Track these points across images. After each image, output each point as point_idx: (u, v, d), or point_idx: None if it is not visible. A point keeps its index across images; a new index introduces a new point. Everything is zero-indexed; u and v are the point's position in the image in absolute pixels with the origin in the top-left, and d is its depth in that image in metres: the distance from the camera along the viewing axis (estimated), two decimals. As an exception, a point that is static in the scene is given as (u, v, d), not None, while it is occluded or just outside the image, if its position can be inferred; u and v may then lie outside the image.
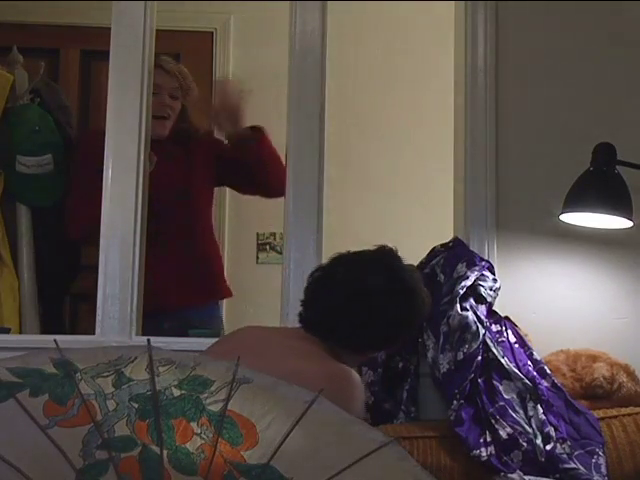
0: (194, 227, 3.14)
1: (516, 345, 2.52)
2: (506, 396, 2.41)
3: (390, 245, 2.15)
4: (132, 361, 1.34)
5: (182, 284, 3.05)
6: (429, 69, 3.99)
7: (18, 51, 3.11)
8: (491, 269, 2.61)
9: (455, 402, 2.38)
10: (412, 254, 2.32)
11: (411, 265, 2.24)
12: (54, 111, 3.13)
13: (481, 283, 2.54)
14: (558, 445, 2.36)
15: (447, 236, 2.76)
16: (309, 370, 1.89)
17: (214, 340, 2.32)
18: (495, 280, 2.59)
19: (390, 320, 2.08)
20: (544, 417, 2.39)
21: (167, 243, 3.04)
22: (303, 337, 2.07)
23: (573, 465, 2.33)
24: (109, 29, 2.75)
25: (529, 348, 2.53)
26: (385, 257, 2.12)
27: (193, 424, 1.26)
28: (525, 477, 2.30)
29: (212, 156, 3.18)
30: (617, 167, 2.49)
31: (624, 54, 2.83)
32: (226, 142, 3.17)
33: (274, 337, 2.11)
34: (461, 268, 2.56)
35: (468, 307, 2.48)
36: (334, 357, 2.04)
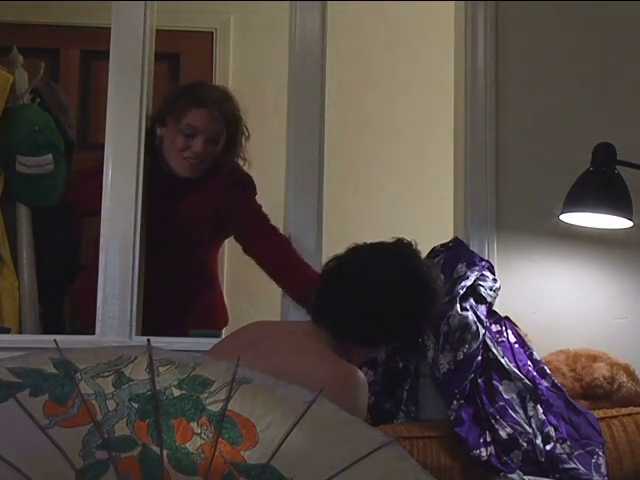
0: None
1: (516, 345, 2.52)
2: (506, 396, 2.41)
3: (408, 239, 2.13)
4: (132, 361, 1.34)
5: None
6: (429, 69, 3.99)
7: (18, 51, 3.11)
8: (491, 269, 2.61)
9: (455, 402, 2.39)
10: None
11: (428, 259, 2.22)
12: (54, 111, 3.13)
13: (481, 283, 2.54)
14: (558, 445, 2.36)
15: (447, 236, 2.76)
16: (313, 370, 1.88)
17: (214, 340, 2.32)
18: (495, 280, 2.59)
19: (403, 312, 2.04)
20: (544, 417, 2.39)
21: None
22: (311, 333, 2.04)
23: (573, 465, 2.33)
24: (109, 29, 2.75)
25: (529, 348, 2.53)
26: (401, 249, 2.09)
27: (193, 424, 1.25)
28: (525, 477, 2.30)
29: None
30: (617, 167, 2.49)
31: (624, 54, 2.83)
32: None
33: (280, 334, 2.09)
34: (461, 268, 2.56)
35: (468, 307, 2.48)
36: (342, 353, 2.02)
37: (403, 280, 2.04)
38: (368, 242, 2.12)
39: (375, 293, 2.02)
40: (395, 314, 2.03)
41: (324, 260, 2.65)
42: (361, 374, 2.00)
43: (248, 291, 3.98)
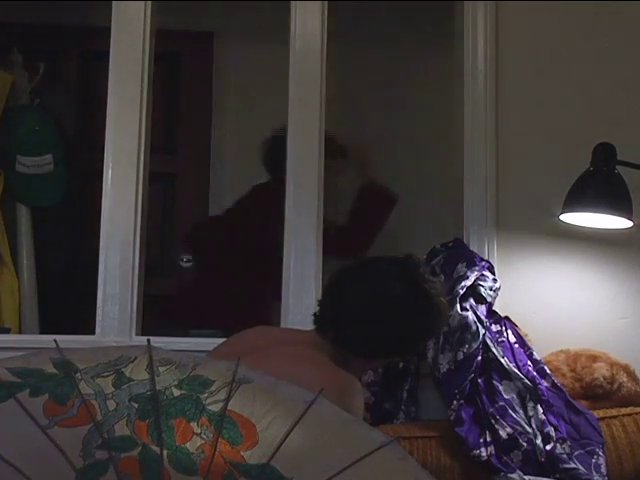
0: None
1: (516, 345, 2.52)
2: (506, 396, 2.41)
3: (417, 257, 2.13)
4: (132, 361, 1.34)
5: None
6: (429, 69, 3.99)
7: (18, 51, 3.11)
8: (491, 269, 2.61)
9: (455, 402, 2.39)
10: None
11: (436, 278, 2.21)
12: (54, 111, 3.14)
13: (481, 283, 2.54)
14: (558, 445, 2.36)
15: (447, 236, 2.76)
16: (308, 378, 1.86)
17: (214, 340, 2.32)
18: (495, 280, 2.59)
19: (403, 328, 2.02)
20: (544, 417, 2.39)
21: None
22: (312, 342, 2.03)
23: (573, 465, 2.33)
24: (109, 29, 2.75)
25: (529, 348, 2.53)
26: (406, 265, 2.08)
27: (193, 424, 1.25)
28: (525, 477, 2.30)
29: None
30: (617, 167, 2.49)
31: (624, 54, 2.83)
32: None
33: (280, 342, 2.08)
34: (461, 268, 2.56)
35: (468, 307, 2.48)
36: (341, 364, 2.01)
37: (406, 296, 2.02)
38: (377, 255, 2.11)
39: (377, 306, 2.01)
40: (395, 329, 2.02)
41: (324, 259, 2.66)
42: (358, 384, 1.98)
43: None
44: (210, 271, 3.36)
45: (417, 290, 2.03)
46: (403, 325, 2.02)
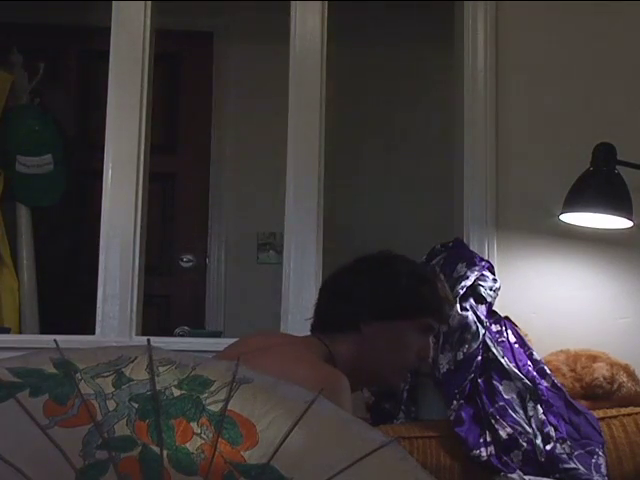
0: None
1: (516, 345, 2.52)
2: (506, 396, 2.41)
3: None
4: (132, 361, 1.34)
5: None
6: (429, 68, 3.99)
7: (18, 51, 3.11)
8: (491, 269, 2.61)
9: (455, 402, 2.39)
10: (412, 254, 2.31)
11: (414, 263, 2.19)
12: (54, 111, 3.14)
13: (481, 283, 2.54)
14: (558, 445, 2.36)
15: (447, 236, 2.76)
16: (296, 374, 1.85)
17: (215, 340, 2.33)
18: (495, 280, 2.59)
19: (355, 294, 2.01)
20: (544, 417, 2.39)
21: None
22: (305, 342, 2.04)
23: (573, 465, 2.33)
24: (109, 29, 2.75)
25: (529, 348, 2.53)
26: (383, 253, 2.09)
27: (193, 424, 1.25)
28: (525, 477, 2.30)
29: None
30: (617, 167, 2.49)
31: (624, 54, 2.83)
32: None
33: (279, 344, 2.09)
34: (461, 268, 2.56)
35: (468, 307, 2.48)
36: (333, 363, 2.01)
37: (372, 266, 2.03)
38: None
39: (334, 279, 2.05)
40: (360, 289, 2.00)
41: (324, 259, 2.66)
42: (345, 380, 1.96)
43: (248, 291, 3.99)
44: None
45: (384, 264, 2.03)
46: (356, 294, 2.00)
